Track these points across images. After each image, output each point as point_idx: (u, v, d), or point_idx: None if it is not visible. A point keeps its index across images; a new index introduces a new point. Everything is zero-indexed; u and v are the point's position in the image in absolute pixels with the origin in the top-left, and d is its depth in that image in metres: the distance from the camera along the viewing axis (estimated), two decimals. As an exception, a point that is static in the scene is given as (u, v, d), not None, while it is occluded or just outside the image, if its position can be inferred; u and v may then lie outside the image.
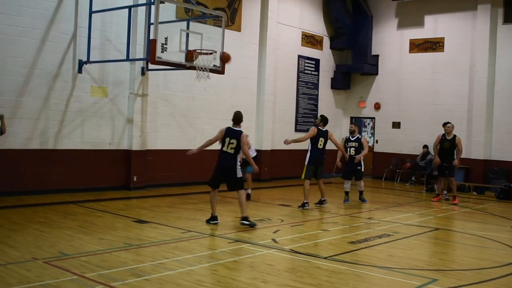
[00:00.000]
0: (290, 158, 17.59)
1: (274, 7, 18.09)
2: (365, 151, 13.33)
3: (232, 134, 9.82)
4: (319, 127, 12.35)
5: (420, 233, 9.90)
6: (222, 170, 9.80)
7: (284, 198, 13.87)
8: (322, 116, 12.80)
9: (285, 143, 12.11)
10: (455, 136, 14.29)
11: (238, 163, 9.82)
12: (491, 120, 18.02)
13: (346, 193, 13.50)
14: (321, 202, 12.63)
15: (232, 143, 9.75)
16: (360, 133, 13.69)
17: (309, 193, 12.31)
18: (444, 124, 14.54)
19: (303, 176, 12.32)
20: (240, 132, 9.87)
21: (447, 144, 14.23)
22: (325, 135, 12.33)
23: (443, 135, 14.36)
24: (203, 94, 15.94)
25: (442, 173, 14.44)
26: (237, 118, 10.01)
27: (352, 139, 13.43)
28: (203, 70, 12.05)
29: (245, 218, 9.74)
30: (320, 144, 12.27)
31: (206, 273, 6.64)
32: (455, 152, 14.28)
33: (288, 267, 7.15)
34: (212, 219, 9.92)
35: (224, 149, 9.80)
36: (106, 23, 13.59)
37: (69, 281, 6.01)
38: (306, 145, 12.53)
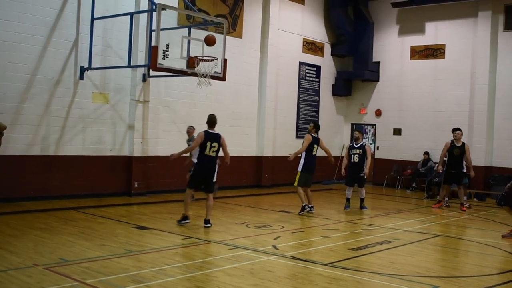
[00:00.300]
0: (291, 164, 17.55)
1: (275, 13, 18.14)
2: (369, 160, 13.35)
3: (213, 137, 10.19)
4: (312, 134, 12.41)
5: (421, 239, 9.88)
6: (205, 173, 10.19)
7: (285, 205, 13.86)
8: (314, 123, 12.91)
9: (289, 159, 12.23)
10: (463, 143, 14.26)
11: (217, 166, 10.33)
12: (492, 126, 18.03)
13: (348, 199, 13.48)
14: (308, 209, 12.58)
15: (214, 147, 10.16)
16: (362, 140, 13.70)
17: (304, 196, 12.34)
18: (454, 130, 14.40)
19: (296, 183, 12.35)
20: (219, 134, 10.27)
21: (457, 151, 14.15)
22: (318, 141, 12.41)
23: (452, 141, 14.29)
24: (204, 100, 15.97)
25: (449, 180, 14.37)
26: (212, 121, 10.34)
27: (356, 146, 13.43)
28: (205, 77, 12.09)
29: (208, 221, 10.17)
30: (314, 151, 12.34)
31: (207, 280, 6.64)
32: (463, 160, 14.22)
33: (288, 274, 7.14)
34: (184, 219, 10.27)
35: (206, 153, 10.12)
36: (108, 29, 13.65)
37: (70, 287, 6.01)
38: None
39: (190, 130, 13.46)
